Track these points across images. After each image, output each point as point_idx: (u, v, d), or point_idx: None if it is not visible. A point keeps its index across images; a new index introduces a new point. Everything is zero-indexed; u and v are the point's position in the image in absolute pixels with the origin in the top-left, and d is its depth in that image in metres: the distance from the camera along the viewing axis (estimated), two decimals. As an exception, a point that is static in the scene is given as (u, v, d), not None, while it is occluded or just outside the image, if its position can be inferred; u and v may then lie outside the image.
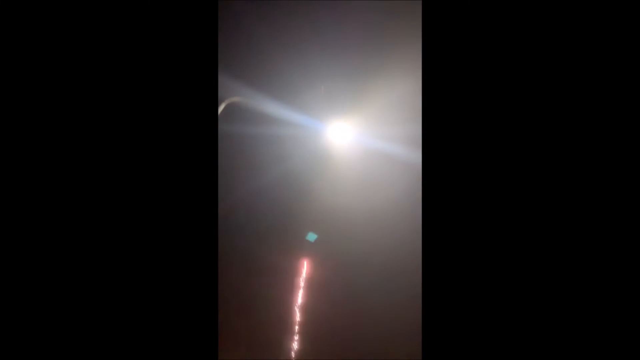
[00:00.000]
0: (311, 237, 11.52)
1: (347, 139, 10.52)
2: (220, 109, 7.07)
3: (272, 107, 10.05)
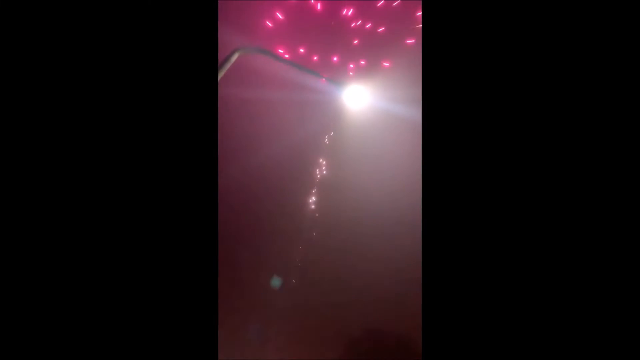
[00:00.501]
0: (275, 282, 11.54)
1: (363, 103, 10.34)
2: (233, 59, 6.85)
3: (284, 64, 9.79)
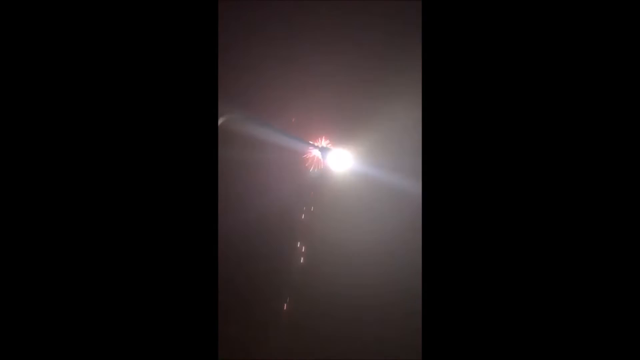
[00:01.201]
0: None
1: (346, 166, 10.35)
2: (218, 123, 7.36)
3: (269, 133, 10.08)
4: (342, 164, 10.21)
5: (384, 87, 9.93)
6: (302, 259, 10.66)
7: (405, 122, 9.64)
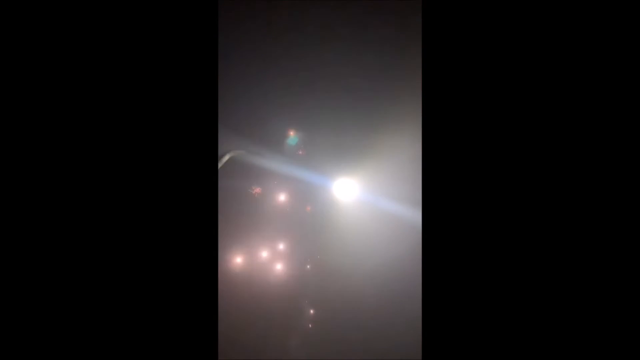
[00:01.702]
0: (292, 141, 10.60)
1: (352, 196, 10.20)
2: (223, 162, 7.40)
3: (274, 163, 10.10)
4: (349, 194, 10.23)
5: (386, 118, 10.04)
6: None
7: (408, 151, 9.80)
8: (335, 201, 10.33)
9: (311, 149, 10.40)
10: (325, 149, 10.39)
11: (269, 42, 9.73)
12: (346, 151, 10.38)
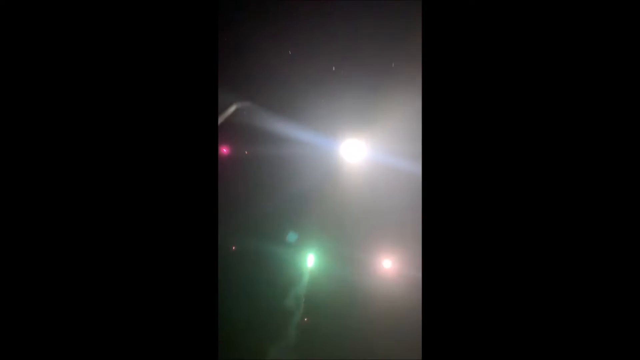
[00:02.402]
0: (292, 237, 10.71)
1: (360, 157, 10.07)
2: (230, 111, 6.94)
3: (279, 124, 9.78)
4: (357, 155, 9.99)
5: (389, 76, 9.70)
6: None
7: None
8: (345, 163, 10.17)
9: (315, 111, 10.02)
10: (329, 111, 10.07)
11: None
12: (350, 112, 10.08)
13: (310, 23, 9.40)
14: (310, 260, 10.40)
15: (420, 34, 3.82)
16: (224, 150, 9.55)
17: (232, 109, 6.88)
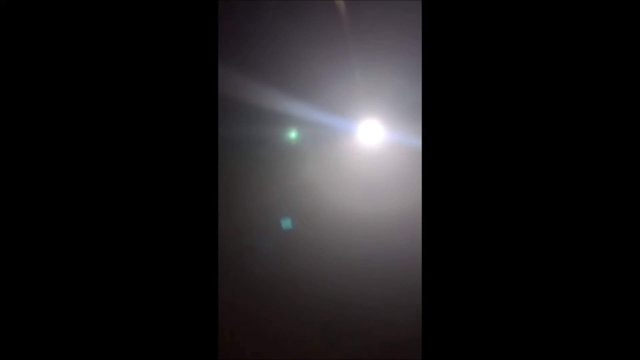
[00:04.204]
0: (286, 224, 10.16)
1: (379, 139, 9.58)
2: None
3: (289, 105, 9.26)
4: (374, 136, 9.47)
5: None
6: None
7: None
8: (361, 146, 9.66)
9: (332, 88, 9.38)
10: (343, 92, 9.43)
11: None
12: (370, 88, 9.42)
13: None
14: None
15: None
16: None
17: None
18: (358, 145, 9.78)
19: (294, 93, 9.19)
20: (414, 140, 9.63)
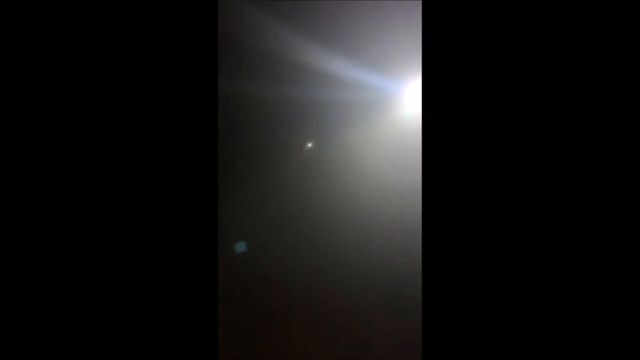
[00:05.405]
0: (240, 247, 9.94)
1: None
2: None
3: (328, 62, 8.15)
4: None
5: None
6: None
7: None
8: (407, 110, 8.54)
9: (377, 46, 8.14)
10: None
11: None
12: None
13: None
14: None
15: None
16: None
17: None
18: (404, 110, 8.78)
19: (335, 49, 8.08)
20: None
